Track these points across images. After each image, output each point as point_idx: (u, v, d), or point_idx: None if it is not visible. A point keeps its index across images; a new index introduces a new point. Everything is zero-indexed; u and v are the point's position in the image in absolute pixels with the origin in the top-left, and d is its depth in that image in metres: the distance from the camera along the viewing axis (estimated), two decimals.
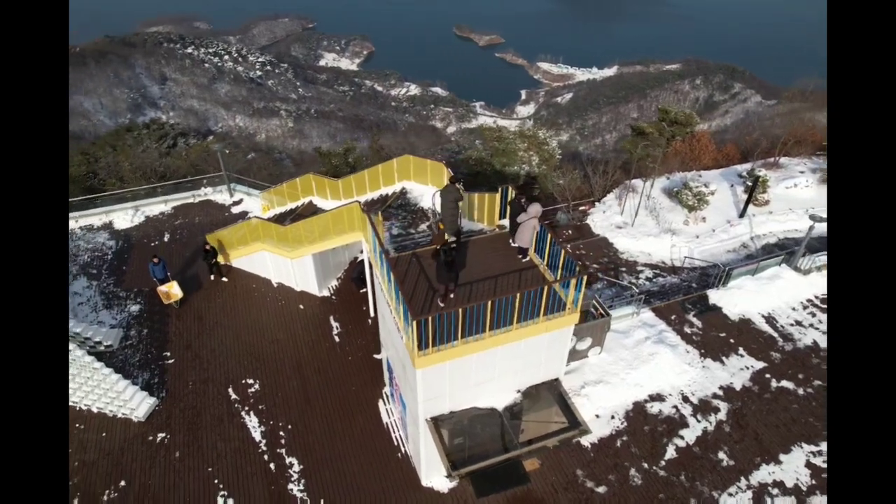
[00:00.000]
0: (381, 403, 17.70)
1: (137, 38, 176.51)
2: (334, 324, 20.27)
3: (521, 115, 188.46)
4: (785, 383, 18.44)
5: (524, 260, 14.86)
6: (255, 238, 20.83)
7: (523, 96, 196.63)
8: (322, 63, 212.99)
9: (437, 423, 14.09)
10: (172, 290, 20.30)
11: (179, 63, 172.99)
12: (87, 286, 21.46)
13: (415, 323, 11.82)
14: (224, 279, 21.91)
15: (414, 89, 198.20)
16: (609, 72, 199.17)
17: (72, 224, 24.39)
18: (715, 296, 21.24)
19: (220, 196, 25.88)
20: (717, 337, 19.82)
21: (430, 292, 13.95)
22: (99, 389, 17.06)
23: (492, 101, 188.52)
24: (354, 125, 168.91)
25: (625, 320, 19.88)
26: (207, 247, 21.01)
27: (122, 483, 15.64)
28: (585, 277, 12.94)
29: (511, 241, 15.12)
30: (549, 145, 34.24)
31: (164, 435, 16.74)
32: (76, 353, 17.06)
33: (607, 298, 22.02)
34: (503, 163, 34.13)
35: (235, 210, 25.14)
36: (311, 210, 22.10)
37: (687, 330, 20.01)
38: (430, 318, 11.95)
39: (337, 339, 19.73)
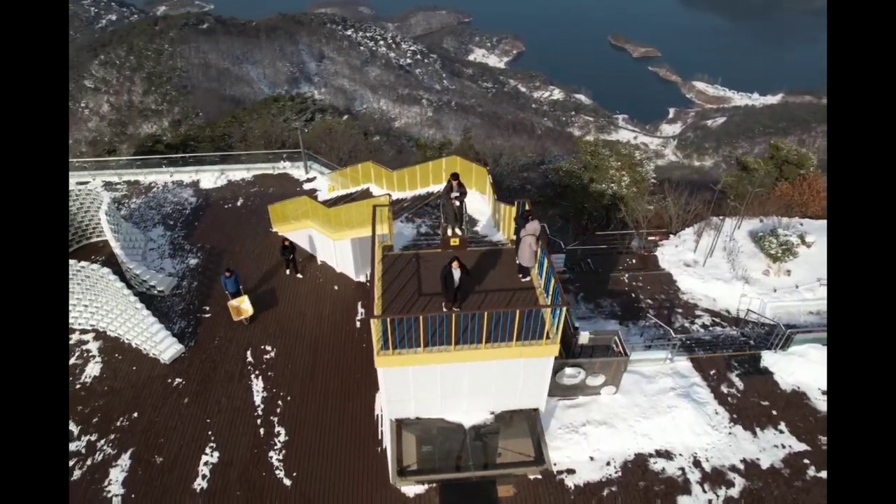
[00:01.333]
0: (377, 395, 17.87)
1: (305, 17, 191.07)
2: (360, 310, 20.73)
3: (665, 133, 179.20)
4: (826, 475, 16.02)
5: (524, 279, 14.24)
6: (305, 215, 21.82)
7: (671, 114, 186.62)
8: (470, 58, 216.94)
9: (401, 425, 14.00)
10: (243, 306, 19.65)
11: (338, 44, 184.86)
12: (161, 234, 23.82)
13: (373, 322, 11.83)
14: (299, 276, 22.19)
15: (557, 94, 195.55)
16: (772, 99, 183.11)
17: (165, 178, 27.20)
18: (770, 359, 18.89)
19: (297, 171, 27.41)
20: (758, 404, 17.63)
21: (416, 296, 13.85)
22: (137, 328, 18.90)
23: (636, 116, 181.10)
24: (491, 122, 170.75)
25: (654, 365, 18.34)
26: (287, 242, 21.50)
27: (135, 414, 17.26)
28: (565, 309, 12.11)
29: (516, 257, 14.54)
30: (644, 168, 32.25)
31: (180, 380, 18.19)
32: (124, 292, 19.00)
33: (649, 339, 20.46)
34: (591, 178, 32.78)
35: (307, 186, 26.48)
36: (365, 196, 22.73)
37: (724, 389, 18.01)
38: (389, 320, 11.89)
39: (358, 324, 20.17)
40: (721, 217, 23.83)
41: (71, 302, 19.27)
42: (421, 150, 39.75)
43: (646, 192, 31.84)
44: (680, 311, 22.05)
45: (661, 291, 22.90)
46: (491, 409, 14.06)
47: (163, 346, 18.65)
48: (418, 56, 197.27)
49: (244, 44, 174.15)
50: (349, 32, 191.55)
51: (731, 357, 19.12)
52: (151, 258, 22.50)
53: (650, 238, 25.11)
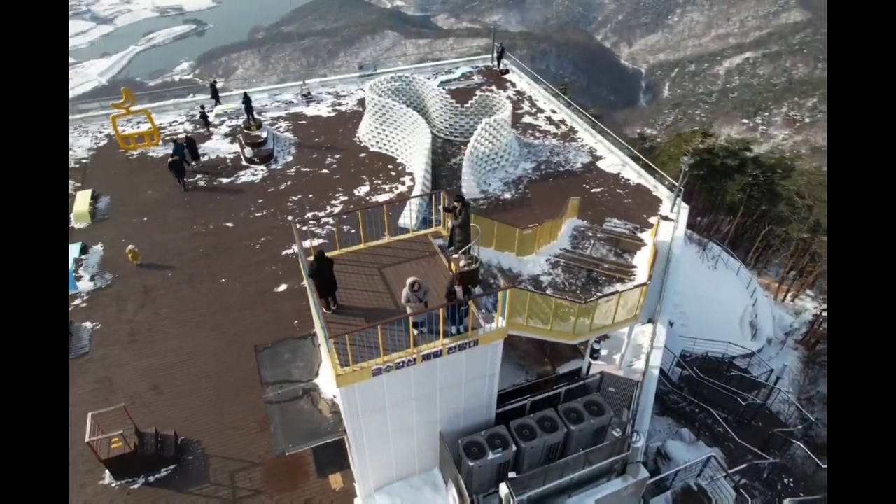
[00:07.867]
0: None
1: None
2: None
3: None
4: None
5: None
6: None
7: None
8: None
9: (313, 339, 15.53)
10: None
11: None
12: (525, 168, 27.46)
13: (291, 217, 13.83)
14: None
15: None
16: None
17: (590, 139, 30.02)
18: None
19: (661, 192, 25.51)
20: None
21: (364, 276, 14.37)
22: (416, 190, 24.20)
23: None
24: None
25: None
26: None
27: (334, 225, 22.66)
28: (332, 341, 10.77)
29: None
30: None
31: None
32: (426, 160, 25.06)
33: None
34: None
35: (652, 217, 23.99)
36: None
37: None
38: (295, 225, 13.75)
39: None
40: None
41: (407, 144, 27.03)
42: None
43: None
44: None
45: None
46: (334, 393, 13.77)
47: (407, 215, 23.07)
48: None
49: None
50: None
51: None
52: (497, 174, 26.74)
53: None
